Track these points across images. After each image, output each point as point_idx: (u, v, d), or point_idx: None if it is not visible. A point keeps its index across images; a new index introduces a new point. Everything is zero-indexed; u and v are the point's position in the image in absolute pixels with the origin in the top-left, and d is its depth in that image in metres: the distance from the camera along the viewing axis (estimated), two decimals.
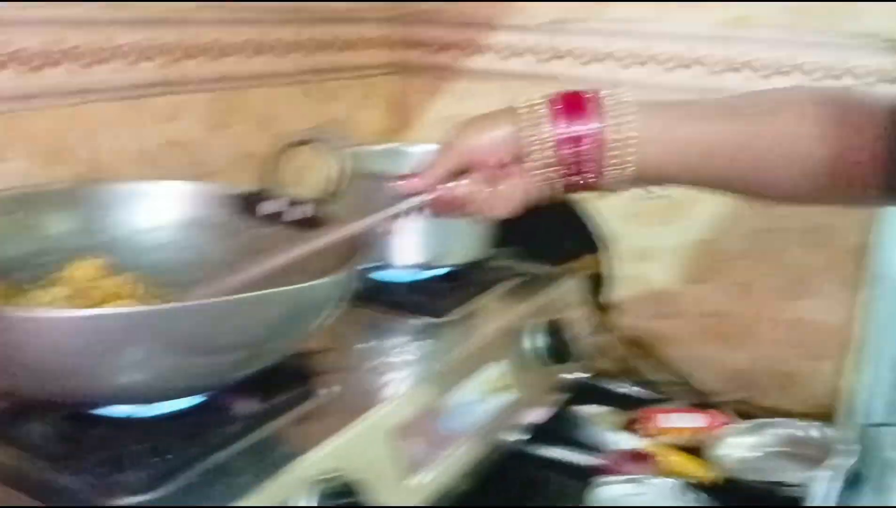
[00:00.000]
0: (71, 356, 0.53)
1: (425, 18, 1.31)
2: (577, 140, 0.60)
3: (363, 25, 1.26)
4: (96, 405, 0.62)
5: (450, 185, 0.64)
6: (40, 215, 0.74)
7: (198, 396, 0.64)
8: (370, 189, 0.93)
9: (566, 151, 0.60)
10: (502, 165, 0.62)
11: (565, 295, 1.07)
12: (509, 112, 0.62)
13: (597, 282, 1.23)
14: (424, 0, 1.29)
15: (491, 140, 0.62)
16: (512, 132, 0.61)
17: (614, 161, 0.60)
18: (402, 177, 0.65)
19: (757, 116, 0.61)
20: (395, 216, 0.66)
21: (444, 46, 1.30)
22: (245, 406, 0.65)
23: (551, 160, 0.61)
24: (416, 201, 0.65)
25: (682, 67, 1.14)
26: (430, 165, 0.64)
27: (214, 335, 0.56)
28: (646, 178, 0.62)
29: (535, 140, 0.61)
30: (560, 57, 1.21)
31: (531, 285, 1.05)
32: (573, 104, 0.61)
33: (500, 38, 1.25)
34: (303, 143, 0.85)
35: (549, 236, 1.16)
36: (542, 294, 1.03)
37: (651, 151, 0.60)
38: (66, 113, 0.86)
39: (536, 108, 0.61)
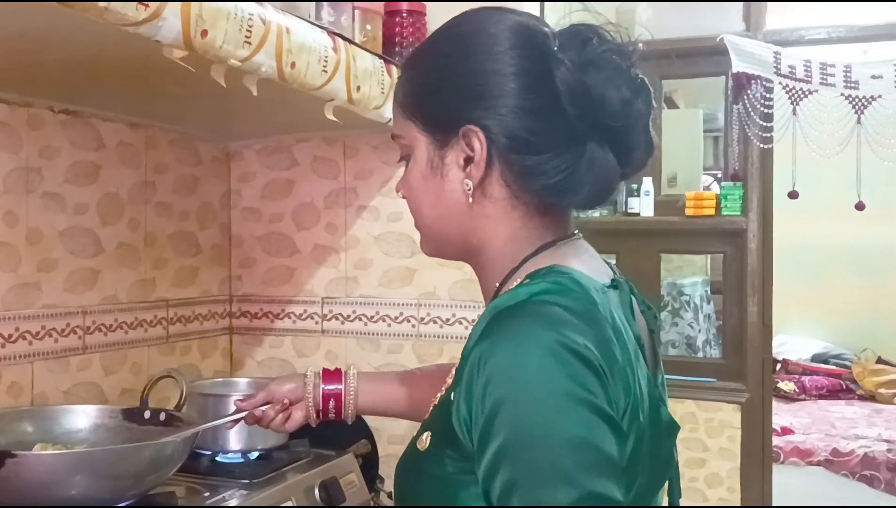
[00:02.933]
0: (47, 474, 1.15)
1: (247, 298, 2.03)
2: (329, 392, 1.21)
3: (209, 305, 1.97)
4: None
5: (257, 410, 1.22)
6: (20, 423, 1.37)
7: None
8: (206, 404, 1.59)
9: (324, 397, 1.22)
10: (291, 402, 1.24)
11: (342, 466, 1.67)
12: (301, 376, 1.22)
13: (367, 458, 1.86)
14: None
15: (287, 389, 1.22)
16: (300, 386, 1.22)
17: (348, 403, 1.21)
18: (241, 399, 1.26)
19: (410, 383, 1.24)
20: (230, 422, 1.27)
21: (260, 315, 2.02)
22: None
23: (318, 403, 1.21)
24: (240, 414, 1.24)
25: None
26: (251, 395, 1.26)
27: (117, 466, 1.20)
28: (361, 412, 1.24)
29: (310, 391, 1.21)
30: (328, 319, 1.95)
31: (318, 460, 1.64)
32: (330, 375, 1.22)
33: (293, 307, 1.98)
34: (161, 378, 1.52)
35: (330, 428, 1.81)
36: (326, 466, 1.63)
37: (362, 399, 1.22)
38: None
39: (312, 376, 1.22)
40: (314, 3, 1.41)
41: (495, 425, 0.71)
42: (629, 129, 0.85)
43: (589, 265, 0.86)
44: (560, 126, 0.83)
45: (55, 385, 1.56)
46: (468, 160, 0.86)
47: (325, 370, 1.25)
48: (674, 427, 0.84)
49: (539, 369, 0.72)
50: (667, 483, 0.88)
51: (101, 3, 0.93)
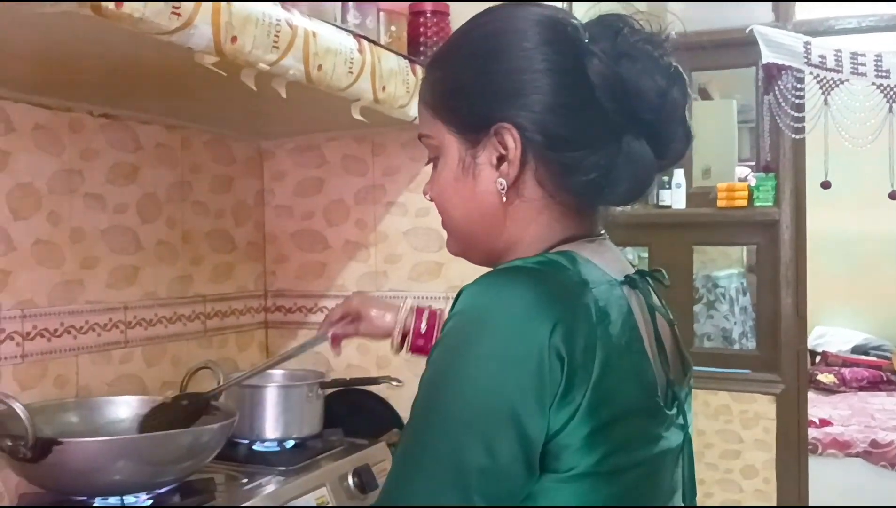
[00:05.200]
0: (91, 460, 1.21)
1: (281, 293, 2.09)
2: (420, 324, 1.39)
3: (245, 300, 2.03)
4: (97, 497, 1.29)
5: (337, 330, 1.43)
6: (66, 414, 1.44)
7: (147, 496, 1.32)
8: (243, 395, 1.65)
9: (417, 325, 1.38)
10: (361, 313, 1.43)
11: (374, 454, 1.72)
12: (396, 306, 1.41)
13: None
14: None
15: (379, 314, 1.42)
16: (393, 315, 1.40)
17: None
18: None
19: None
20: (312, 345, 1.44)
21: (294, 309, 2.08)
22: (171, 503, 1.32)
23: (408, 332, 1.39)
24: (321, 337, 1.44)
25: None
26: (333, 311, 1.43)
27: (157, 453, 1.26)
28: None
29: (402, 320, 1.39)
30: None
31: (351, 449, 1.69)
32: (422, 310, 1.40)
33: (325, 301, 2.04)
34: (199, 370, 1.58)
35: (363, 418, 1.87)
36: (359, 454, 1.69)
37: None
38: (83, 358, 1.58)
39: (408, 308, 1.40)
40: (340, 5, 1.46)
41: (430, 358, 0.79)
42: (666, 120, 0.83)
43: (605, 258, 0.86)
44: (596, 121, 0.82)
45: (99, 378, 1.63)
46: (501, 159, 0.84)
47: (419, 307, 1.43)
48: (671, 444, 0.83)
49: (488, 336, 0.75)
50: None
51: (135, 14, 0.99)
